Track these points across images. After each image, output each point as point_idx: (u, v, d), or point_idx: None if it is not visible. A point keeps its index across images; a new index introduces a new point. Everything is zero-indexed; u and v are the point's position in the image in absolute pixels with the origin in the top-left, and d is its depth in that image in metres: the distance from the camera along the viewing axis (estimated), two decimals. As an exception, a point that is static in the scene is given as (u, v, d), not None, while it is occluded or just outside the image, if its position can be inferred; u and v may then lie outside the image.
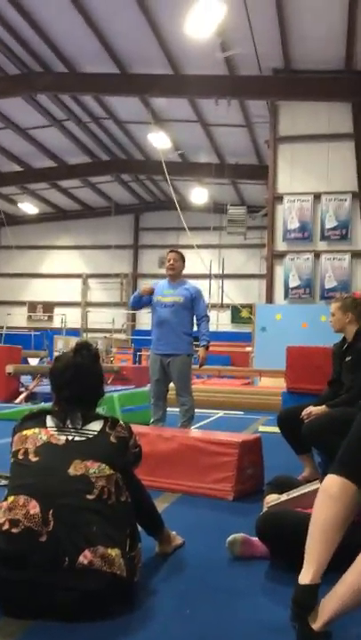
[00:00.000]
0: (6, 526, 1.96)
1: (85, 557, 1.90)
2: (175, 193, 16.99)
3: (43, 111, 15.55)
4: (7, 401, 9.46)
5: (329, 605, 1.71)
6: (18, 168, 19.63)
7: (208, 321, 5.45)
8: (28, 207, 23.31)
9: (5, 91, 13.93)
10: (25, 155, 18.72)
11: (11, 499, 2.01)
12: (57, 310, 24.64)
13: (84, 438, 2.15)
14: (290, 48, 12.24)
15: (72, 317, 22.98)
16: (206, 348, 5.33)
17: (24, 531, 1.93)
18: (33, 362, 14.13)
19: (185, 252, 5.74)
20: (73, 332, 21.38)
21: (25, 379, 10.98)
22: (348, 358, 3.88)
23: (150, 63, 13.06)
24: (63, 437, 2.15)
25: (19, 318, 24.39)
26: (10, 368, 9.63)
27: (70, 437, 2.15)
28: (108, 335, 21.05)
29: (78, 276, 25.41)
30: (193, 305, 5.33)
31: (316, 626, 1.73)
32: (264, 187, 15.96)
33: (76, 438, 2.15)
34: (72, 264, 25.40)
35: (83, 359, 2.28)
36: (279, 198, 13.68)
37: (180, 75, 13.35)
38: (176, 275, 5.40)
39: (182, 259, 5.45)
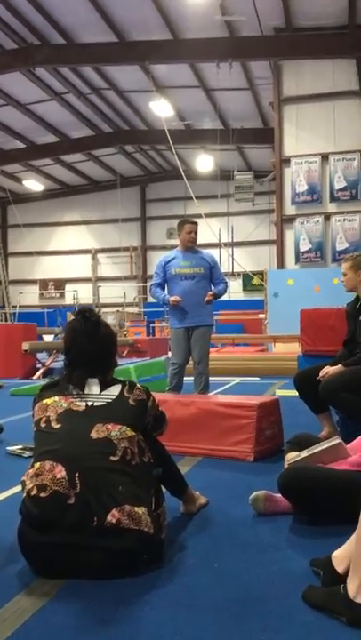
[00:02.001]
0: (34, 491, 2.01)
1: (113, 516, 1.95)
2: (180, 162, 16.82)
3: (42, 85, 15.38)
4: (25, 378, 9.57)
5: (351, 548, 1.75)
6: (20, 145, 19.50)
7: (226, 285, 5.44)
8: (33, 184, 23.21)
9: (4, 65, 13.78)
10: (27, 130, 18.57)
11: (37, 465, 2.06)
12: (68, 287, 24.70)
13: (103, 403, 2.18)
14: (290, 5, 11.93)
15: (84, 293, 23.05)
16: (213, 296, 5.27)
17: (52, 494, 1.98)
18: (47, 339, 14.25)
19: (193, 222, 5.71)
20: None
21: (41, 356, 11.08)
22: (362, 316, 3.87)
23: (149, 29, 12.82)
24: (83, 403, 2.18)
25: (31, 296, 24.51)
26: (26, 345, 9.72)
27: (90, 403, 2.18)
28: (120, 309, 21.11)
29: (87, 251, 25.40)
30: (211, 272, 5.32)
31: (340, 569, 1.77)
32: (270, 150, 15.74)
33: (96, 403, 2.18)
34: (81, 240, 25.38)
35: (84, 323, 2.30)
36: (286, 161, 13.50)
37: (179, 39, 13.11)
38: (194, 246, 5.38)
39: None
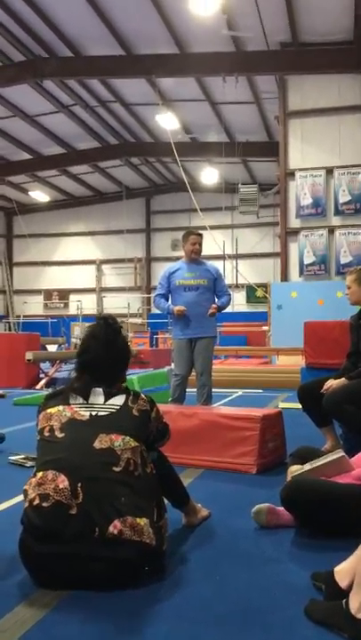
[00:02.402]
0: (37, 501, 2.00)
1: (115, 527, 1.95)
2: (186, 174, 16.89)
3: (50, 97, 15.50)
4: (28, 387, 9.58)
5: (354, 563, 1.74)
6: (27, 156, 19.63)
7: (229, 297, 5.43)
8: (39, 195, 23.34)
9: (12, 78, 13.89)
10: (34, 142, 18.71)
11: (39, 474, 2.06)
12: (72, 297, 24.74)
13: (107, 413, 2.18)
14: (297, 21, 12.03)
15: (88, 304, 23.09)
16: (217, 309, 5.27)
17: (54, 504, 1.98)
18: (51, 349, 14.26)
19: (198, 234, 5.72)
20: (89, 318, 21.46)
21: (44, 366, 11.09)
22: (366, 330, 3.88)
23: (155, 43, 12.93)
24: (87, 413, 2.18)
25: (35, 306, 24.56)
26: (29, 355, 9.73)
27: (94, 413, 2.18)
28: (124, 320, 21.13)
29: (92, 262, 25.47)
30: (215, 285, 5.33)
31: (343, 584, 1.76)
32: (275, 164, 15.80)
33: (100, 413, 2.18)
34: (85, 250, 25.46)
35: (105, 329, 2.30)
36: (291, 174, 13.55)
37: (186, 53, 13.21)
38: (198, 257, 5.39)
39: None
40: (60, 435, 2.14)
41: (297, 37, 12.60)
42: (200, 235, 5.47)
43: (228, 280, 20.03)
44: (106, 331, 2.29)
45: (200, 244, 5.37)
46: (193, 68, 13.42)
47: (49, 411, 2.22)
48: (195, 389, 5.33)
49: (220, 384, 8.63)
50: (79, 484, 1.99)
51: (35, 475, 2.10)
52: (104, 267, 25.55)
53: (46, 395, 2.36)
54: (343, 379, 3.74)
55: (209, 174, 20.56)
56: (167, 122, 15.71)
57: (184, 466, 3.67)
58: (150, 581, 2.02)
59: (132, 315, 22.60)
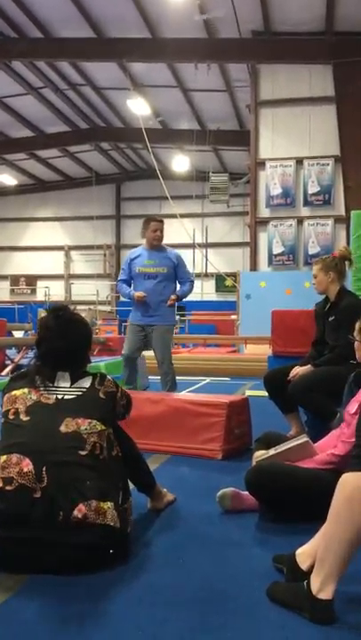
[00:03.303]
0: (0, 484, 1.98)
1: (80, 511, 1.94)
2: (156, 161, 16.79)
3: (19, 79, 15.19)
4: (-7, 373, 9.43)
5: (316, 546, 1.76)
6: (-6, 138, 19.24)
7: (191, 284, 5.37)
8: (7, 178, 22.92)
9: (-21, 58, 13.56)
10: (2, 124, 18.33)
11: (3, 458, 2.03)
12: (40, 283, 24.45)
13: (73, 396, 2.16)
14: (269, 10, 12.02)
15: (56, 290, 22.85)
16: (176, 298, 5.24)
17: (18, 488, 1.96)
18: (17, 335, 14.08)
19: (168, 222, 5.66)
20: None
21: (10, 352, 10.94)
22: (331, 318, 3.92)
23: (128, 27, 12.77)
24: (53, 396, 2.16)
25: (1, 292, 24.21)
26: (-5, 340, 9.58)
27: (60, 396, 2.16)
28: (92, 307, 20.98)
29: (60, 248, 25.18)
30: (176, 271, 5.29)
31: (304, 566, 1.79)
32: (246, 153, 15.81)
33: (66, 397, 2.16)
34: (54, 236, 25.14)
35: (61, 319, 2.28)
36: (261, 164, 13.58)
37: (158, 38, 13.09)
38: (160, 244, 5.32)
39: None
40: (24, 418, 2.11)
41: (269, 27, 12.59)
42: (161, 221, 5.36)
43: (198, 269, 20.08)
44: (57, 322, 2.27)
45: (161, 231, 5.27)
46: (165, 53, 13.31)
47: (14, 393, 2.19)
48: (159, 378, 5.31)
49: (187, 372, 8.65)
50: (44, 468, 1.97)
51: (-2, 459, 2.07)
52: (72, 253, 25.29)
53: (11, 377, 2.32)
54: (309, 366, 3.79)
55: (180, 162, 20.49)
56: (138, 107, 15.57)
57: (151, 452, 3.66)
58: (115, 565, 2.02)
59: (101, 302, 22.46)
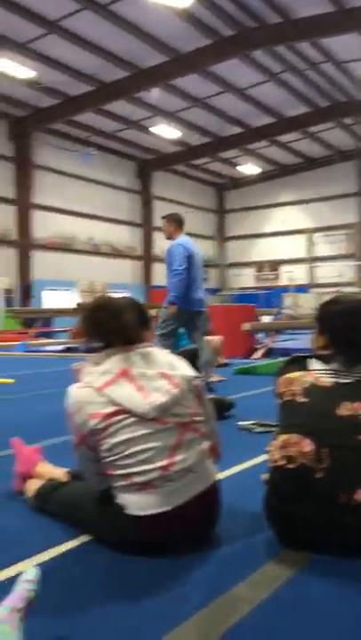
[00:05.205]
0: (282, 462, 2.04)
1: (359, 495, 1.90)
2: None
3: (258, 67, 15.46)
4: (245, 357, 9.82)
5: None
6: (237, 130, 19.90)
7: (175, 275, 5.09)
8: (249, 168, 23.59)
9: (221, 53, 14.11)
10: (243, 115, 18.89)
11: (283, 437, 2.08)
12: (283, 268, 24.74)
13: (351, 380, 2.13)
14: None
15: (299, 274, 22.88)
16: (170, 303, 5.10)
17: (299, 467, 2.00)
18: (265, 319, 14.46)
19: None
20: (300, 288, 21.29)
21: (258, 336, 11.27)
22: None
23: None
24: (329, 380, 2.15)
25: (246, 279, 25.09)
26: (247, 325, 9.96)
27: (337, 380, 2.14)
28: (337, 290, 20.50)
29: (302, 231, 25.12)
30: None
31: None
32: None
33: (342, 381, 2.14)
34: (295, 220, 25.18)
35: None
36: None
37: None
38: (169, 237, 5.27)
39: (169, 221, 5.29)
40: (301, 399, 2.14)
41: None
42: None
43: None
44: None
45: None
46: None
47: (289, 376, 2.23)
48: None
49: None
50: (324, 450, 1.98)
51: (276, 438, 2.13)
52: (314, 235, 25.04)
53: (286, 360, 2.37)
54: None
55: None
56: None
57: None
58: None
59: (346, 284, 21.83)
